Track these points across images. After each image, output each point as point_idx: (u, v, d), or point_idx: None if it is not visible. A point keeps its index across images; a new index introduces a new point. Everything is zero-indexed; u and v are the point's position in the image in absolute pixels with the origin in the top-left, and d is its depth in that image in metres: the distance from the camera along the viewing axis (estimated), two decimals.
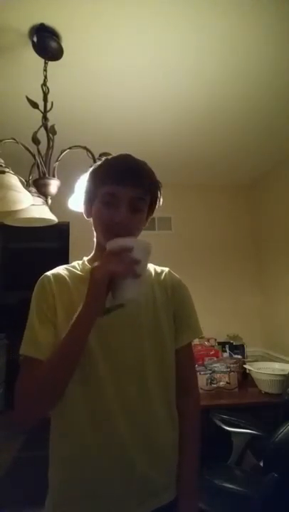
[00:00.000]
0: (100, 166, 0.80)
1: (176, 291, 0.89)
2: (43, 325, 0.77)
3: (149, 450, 0.75)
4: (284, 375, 1.95)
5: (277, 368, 2.14)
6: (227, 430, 1.70)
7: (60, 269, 0.86)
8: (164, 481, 0.78)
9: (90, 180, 0.81)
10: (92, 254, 0.89)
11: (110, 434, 0.73)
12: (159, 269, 0.93)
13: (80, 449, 0.73)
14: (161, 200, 0.87)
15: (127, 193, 0.75)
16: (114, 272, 0.65)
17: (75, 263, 0.89)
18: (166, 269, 0.94)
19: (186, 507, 0.78)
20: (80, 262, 0.89)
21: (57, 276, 0.83)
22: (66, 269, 0.86)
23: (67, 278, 0.82)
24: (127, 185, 0.75)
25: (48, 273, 0.85)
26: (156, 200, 0.85)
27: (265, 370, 2.07)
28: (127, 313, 0.77)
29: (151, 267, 0.92)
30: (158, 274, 0.91)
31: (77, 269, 0.86)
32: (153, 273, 0.90)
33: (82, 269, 0.86)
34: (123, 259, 0.65)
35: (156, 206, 0.86)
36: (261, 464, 1.55)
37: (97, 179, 0.79)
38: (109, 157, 0.82)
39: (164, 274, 0.91)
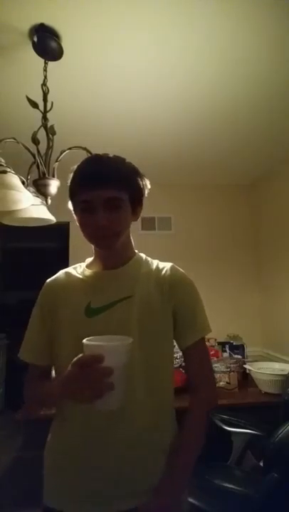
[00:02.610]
0: (72, 175, 0.83)
1: (176, 288, 0.86)
2: (39, 332, 0.87)
3: (130, 454, 0.77)
4: (284, 375, 1.95)
5: (277, 367, 2.14)
6: (227, 430, 1.70)
7: (61, 274, 0.92)
8: (144, 484, 0.77)
9: (68, 191, 0.85)
10: (92, 259, 0.92)
11: (95, 431, 0.77)
12: (161, 265, 0.91)
13: (69, 441, 0.81)
14: (148, 187, 0.88)
15: (99, 196, 0.76)
16: (82, 400, 0.66)
17: (77, 265, 0.93)
18: (168, 266, 0.91)
19: (150, 504, 0.74)
20: (82, 264, 0.92)
21: (57, 282, 0.90)
22: (66, 273, 0.91)
23: (66, 283, 0.88)
24: (96, 188, 0.76)
25: (49, 280, 0.93)
26: (140, 191, 0.85)
27: (265, 370, 2.07)
28: (117, 318, 0.80)
29: (154, 263, 0.91)
30: (158, 271, 0.89)
31: (77, 273, 0.90)
32: (154, 269, 0.89)
33: (81, 272, 0.90)
34: (93, 378, 0.63)
35: (143, 195, 0.87)
36: (261, 464, 1.55)
37: (72, 189, 0.82)
38: (80, 163, 0.83)
39: (164, 271, 0.89)
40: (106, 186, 0.76)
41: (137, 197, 0.84)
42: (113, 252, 0.85)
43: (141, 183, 0.85)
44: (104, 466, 0.76)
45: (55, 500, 0.81)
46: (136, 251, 0.93)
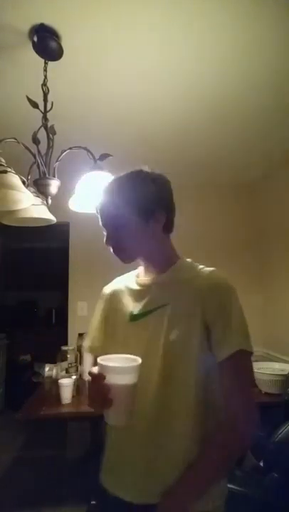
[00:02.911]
0: None
1: (209, 296, 0.82)
2: (96, 329, 1.02)
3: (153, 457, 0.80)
4: (284, 375, 1.94)
5: (277, 368, 2.14)
6: None
7: (115, 281, 1.04)
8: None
9: None
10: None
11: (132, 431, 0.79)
12: (204, 270, 0.89)
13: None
14: (149, 192, 0.91)
15: (101, 222, 0.91)
16: (92, 408, 0.75)
17: (130, 273, 1.02)
18: (207, 271, 0.88)
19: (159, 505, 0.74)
20: (134, 272, 1.00)
21: (110, 288, 1.03)
22: (119, 280, 1.03)
23: (117, 290, 0.99)
24: (99, 216, 0.91)
25: (105, 287, 1.05)
26: (139, 209, 0.88)
27: (265, 370, 2.07)
28: (152, 326, 0.85)
29: (198, 268, 0.90)
30: (198, 277, 0.86)
31: (128, 280, 0.99)
32: (195, 276, 0.87)
33: (131, 280, 0.98)
34: (96, 392, 0.71)
35: (146, 205, 0.89)
36: (261, 464, 1.55)
37: None
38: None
39: (200, 279, 0.85)
40: (102, 213, 0.91)
41: (140, 212, 0.88)
42: (145, 263, 0.94)
43: (137, 200, 0.89)
44: (137, 462, 0.81)
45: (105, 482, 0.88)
46: (180, 257, 0.96)
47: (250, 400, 0.78)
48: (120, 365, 0.72)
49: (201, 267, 0.91)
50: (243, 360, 0.78)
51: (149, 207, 0.89)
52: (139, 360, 0.72)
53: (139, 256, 0.92)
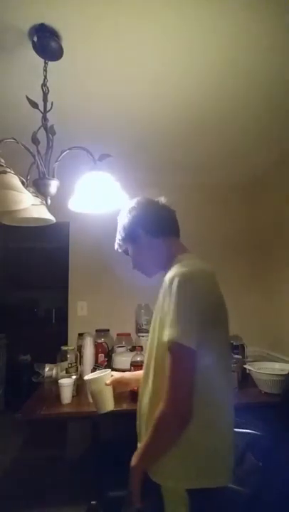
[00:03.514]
0: None
1: (167, 291, 0.94)
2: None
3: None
4: (284, 375, 1.94)
5: (277, 368, 2.13)
6: None
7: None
8: None
9: None
10: None
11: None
12: (176, 266, 0.99)
13: None
14: (141, 214, 1.15)
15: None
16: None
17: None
18: (177, 266, 0.99)
19: None
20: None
21: None
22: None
23: None
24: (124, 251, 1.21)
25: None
26: (130, 235, 1.14)
27: (265, 370, 2.07)
28: (153, 325, 1.05)
29: (177, 266, 0.99)
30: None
31: None
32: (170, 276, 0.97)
33: None
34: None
35: (136, 230, 1.12)
36: (261, 464, 1.55)
37: None
38: None
39: (169, 275, 0.98)
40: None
41: (130, 238, 1.14)
42: (152, 273, 1.19)
43: (129, 228, 1.13)
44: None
45: None
46: (176, 255, 1.09)
47: (179, 383, 0.87)
48: (88, 379, 1.29)
49: (182, 263, 0.99)
50: (174, 350, 0.87)
51: (131, 237, 1.14)
52: (105, 373, 1.30)
53: (152, 268, 1.17)
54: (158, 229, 1.11)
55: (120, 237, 1.15)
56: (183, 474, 0.89)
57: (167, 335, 0.88)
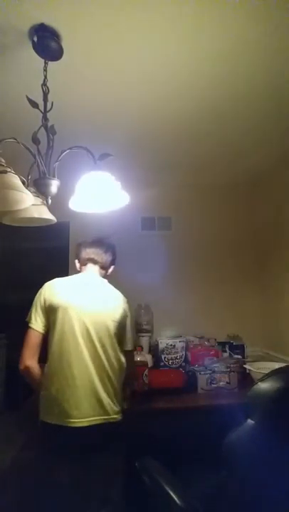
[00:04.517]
0: None
1: None
2: None
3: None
4: None
5: (277, 368, 2.13)
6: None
7: None
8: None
9: None
10: None
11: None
12: None
13: None
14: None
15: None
16: None
17: None
18: None
19: None
20: None
21: None
22: None
23: None
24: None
25: None
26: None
27: (265, 370, 2.06)
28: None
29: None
30: None
31: None
32: None
33: None
34: None
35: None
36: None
37: None
38: None
39: None
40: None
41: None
42: None
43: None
44: None
45: None
46: None
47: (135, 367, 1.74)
48: None
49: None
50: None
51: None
52: None
53: None
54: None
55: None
56: (41, 411, 1.41)
57: None
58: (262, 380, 1.03)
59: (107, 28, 1.27)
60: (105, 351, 1.42)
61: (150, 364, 2.16)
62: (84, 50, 1.38)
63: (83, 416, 1.33)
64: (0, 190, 1.11)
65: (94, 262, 1.60)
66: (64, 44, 1.32)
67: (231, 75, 1.55)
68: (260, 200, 2.96)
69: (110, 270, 1.67)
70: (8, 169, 1.12)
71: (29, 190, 1.20)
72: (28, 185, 1.24)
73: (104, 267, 1.63)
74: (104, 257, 1.62)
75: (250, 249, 3.02)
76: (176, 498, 1.13)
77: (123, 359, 1.50)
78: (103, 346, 1.41)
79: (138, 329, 2.61)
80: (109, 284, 1.60)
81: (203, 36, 1.32)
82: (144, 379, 1.91)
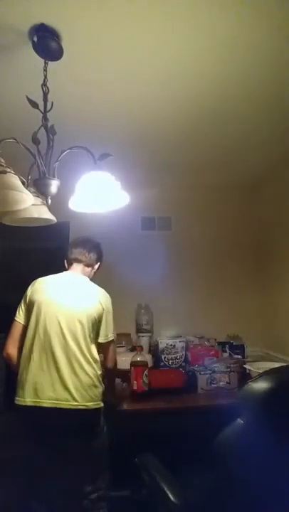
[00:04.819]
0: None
1: None
2: None
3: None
4: None
5: (271, 368, 2.13)
6: None
7: None
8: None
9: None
10: None
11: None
12: None
13: None
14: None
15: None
16: None
17: None
18: None
19: None
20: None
21: None
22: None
23: None
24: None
25: None
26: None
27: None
28: None
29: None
30: None
31: None
32: None
33: None
34: None
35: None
36: None
37: None
38: None
39: None
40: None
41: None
42: None
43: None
44: None
45: None
46: None
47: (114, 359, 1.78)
48: None
49: None
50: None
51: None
52: None
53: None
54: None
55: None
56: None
57: None
58: (254, 380, 1.03)
59: (107, 28, 1.27)
60: (78, 343, 1.51)
61: (150, 364, 2.16)
62: (84, 50, 1.38)
63: (46, 398, 1.45)
64: (0, 190, 1.11)
65: (78, 261, 1.76)
66: (64, 44, 1.32)
67: (231, 76, 1.55)
68: (260, 200, 2.95)
69: (96, 267, 1.82)
70: (8, 169, 1.12)
71: (29, 190, 1.21)
72: (28, 186, 1.24)
73: (89, 265, 1.77)
74: (88, 256, 1.76)
75: (250, 250, 3.02)
76: (171, 496, 1.13)
77: (95, 351, 1.59)
78: (76, 339, 1.51)
79: (138, 329, 2.61)
80: (90, 282, 1.73)
81: (203, 37, 1.32)
82: (144, 379, 1.91)
